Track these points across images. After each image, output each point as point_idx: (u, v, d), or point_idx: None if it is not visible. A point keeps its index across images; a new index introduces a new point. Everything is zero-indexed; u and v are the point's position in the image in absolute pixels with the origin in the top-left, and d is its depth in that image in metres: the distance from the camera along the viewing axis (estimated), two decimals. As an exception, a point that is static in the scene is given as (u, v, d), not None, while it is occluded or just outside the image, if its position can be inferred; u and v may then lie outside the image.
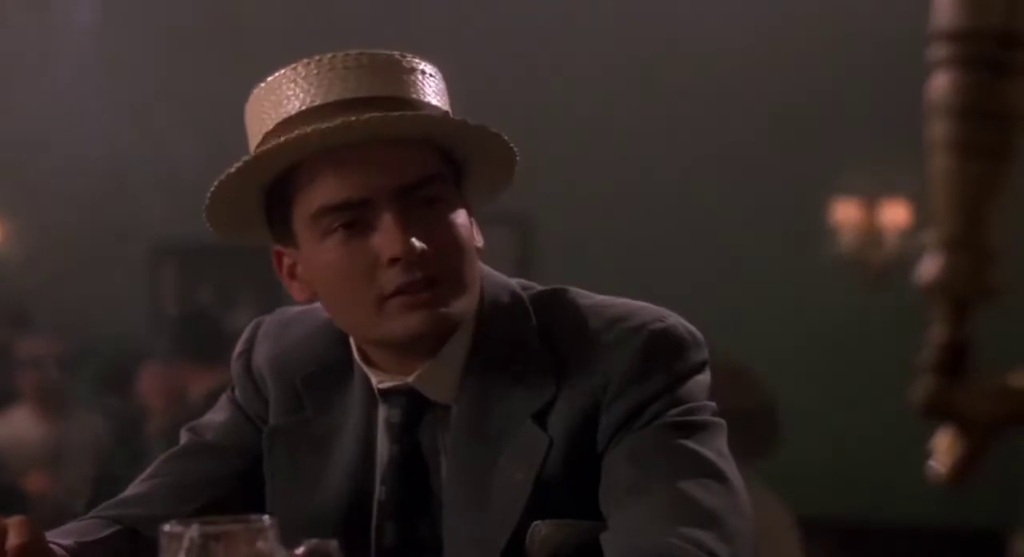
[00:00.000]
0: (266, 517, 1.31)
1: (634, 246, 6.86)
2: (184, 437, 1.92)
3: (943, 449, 0.97)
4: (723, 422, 1.73)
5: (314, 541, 1.32)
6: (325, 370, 1.83)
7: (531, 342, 1.73)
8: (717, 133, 7.34)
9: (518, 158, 1.77)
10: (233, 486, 1.84)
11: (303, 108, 1.68)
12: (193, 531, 1.27)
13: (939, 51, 0.96)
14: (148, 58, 7.54)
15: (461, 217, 1.73)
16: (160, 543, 1.30)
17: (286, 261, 1.78)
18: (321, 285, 1.74)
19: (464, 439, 1.71)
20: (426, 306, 1.68)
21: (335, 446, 1.79)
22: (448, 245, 1.70)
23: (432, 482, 1.74)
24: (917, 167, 1.08)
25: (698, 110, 7.36)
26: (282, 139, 1.65)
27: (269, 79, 1.72)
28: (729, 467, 1.69)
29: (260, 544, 1.28)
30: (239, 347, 1.94)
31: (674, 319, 1.73)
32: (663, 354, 1.69)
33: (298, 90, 1.69)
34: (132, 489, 1.86)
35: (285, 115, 1.69)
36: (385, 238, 1.67)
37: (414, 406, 1.75)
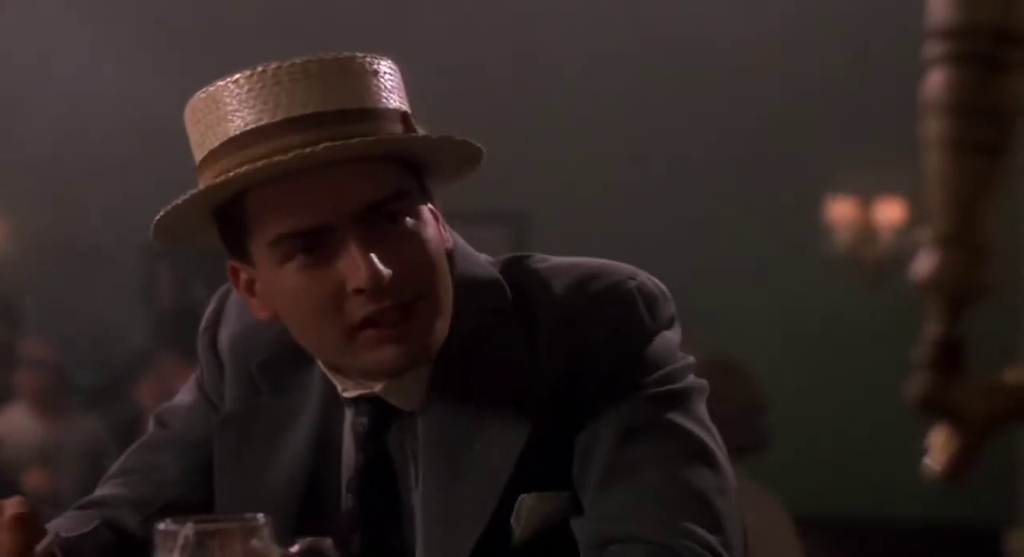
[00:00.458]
0: (261, 515, 1.31)
1: (629, 244, 6.84)
2: (151, 425, 1.88)
3: (938, 446, 0.96)
4: (703, 383, 1.69)
5: (308, 539, 1.31)
6: (284, 353, 1.75)
7: (507, 322, 1.67)
8: (713, 132, 7.35)
9: (484, 152, 1.67)
10: (197, 479, 1.79)
11: (248, 128, 1.58)
12: (188, 529, 1.27)
13: (934, 48, 0.96)
14: (147, 57, 7.53)
15: (429, 228, 1.64)
16: (155, 541, 1.30)
17: (243, 276, 1.69)
18: (283, 309, 1.66)
19: (435, 444, 1.66)
20: (400, 340, 1.60)
21: (290, 432, 1.74)
22: (418, 266, 1.61)
23: (401, 490, 1.69)
24: (912, 165, 1.08)
25: (694, 109, 7.37)
26: (231, 174, 1.56)
27: (211, 89, 1.62)
28: (712, 439, 1.65)
29: (255, 542, 1.28)
30: (204, 322, 1.85)
31: (643, 275, 1.69)
32: (637, 314, 1.65)
33: (242, 106, 1.59)
34: (103, 488, 1.83)
35: (231, 133, 1.60)
36: (350, 267, 1.58)
37: (381, 414, 1.69)
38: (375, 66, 1.63)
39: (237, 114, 1.59)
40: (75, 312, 7.52)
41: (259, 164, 1.55)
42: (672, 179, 7.41)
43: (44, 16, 7.74)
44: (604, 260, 1.72)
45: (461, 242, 1.74)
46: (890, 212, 7.37)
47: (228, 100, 1.60)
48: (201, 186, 1.62)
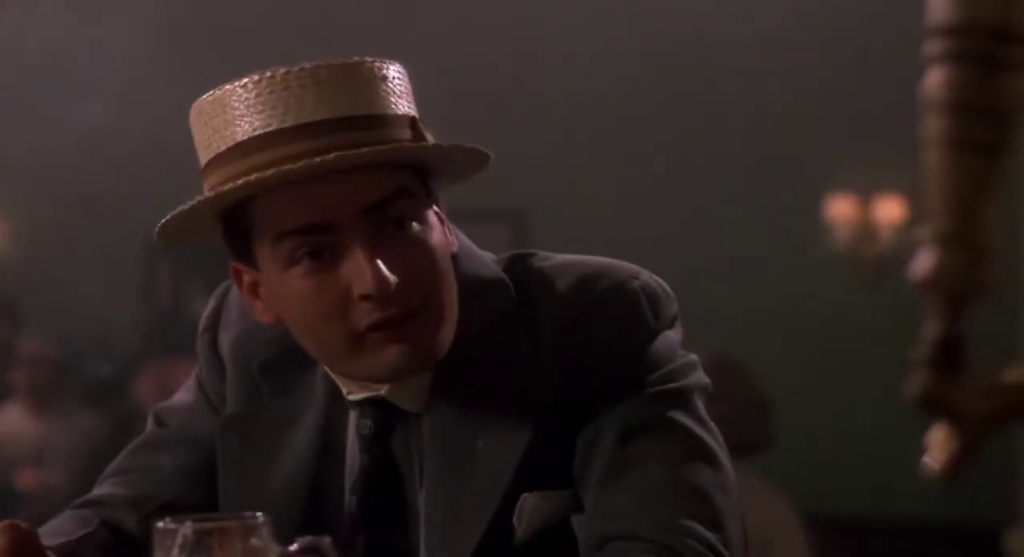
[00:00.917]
0: (260, 514, 1.31)
1: (629, 243, 6.85)
2: (150, 424, 1.88)
3: (937, 445, 0.96)
4: (705, 381, 1.69)
5: (307, 538, 1.31)
6: (285, 354, 1.74)
7: (511, 321, 1.66)
8: (712, 131, 7.35)
9: (491, 157, 1.67)
10: (195, 479, 1.79)
11: (257, 133, 1.58)
12: (187, 528, 1.27)
13: (934, 47, 0.96)
14: (148, 56, 7.53)
15: (435, 234, 1.64)
16: (153, 540, 1.30)
17: (246, 278, 1.68)
18: (288, 313, 1.65)
19: (438, 444, 1.66)
20: (406, 340, 1.59)
21: (292, 433, 1.73)
22: (424, 272, 1.61)
23: (406, 491, 1.69)
24: (912, 163, 1.08)
25: (694, 109, 7.37)
26: (240, 181, 1.56)
27: (218, 92, 1.62)
28: (713, 437, 1.65)
29: (254, 540, 1.27)
30: (204, 323, 1.85)
31: (646, 274, 1.69)
32: (641, 313, 1.65)
33: (250, 111, 1.58)
34: (101, 487, 1.82)
35: (239, 138, 1.59)
36: (355, 272, 1.57)
37: (386, 416, 1.69)
38: (384, 71, 1.63)
39: (245, 119, 1.59)
40: (74, 310, 7.52)
41: (269, 173, 1.54)
42: (671, 178, 7.41)
43: (45, 14, 7.74)
44: (607, 259, 1.72)
45: (466, 241, 1.74)
46: (890, 211, 7.37)
47: (236, 104, 1.60)
48: (207, 190, 1.62)
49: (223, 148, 1.61)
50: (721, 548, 1.59)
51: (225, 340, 1.82)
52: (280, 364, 1.76)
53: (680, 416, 1.64)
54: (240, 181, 1.56)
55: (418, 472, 1.68)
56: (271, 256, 1.61)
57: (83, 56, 7.54)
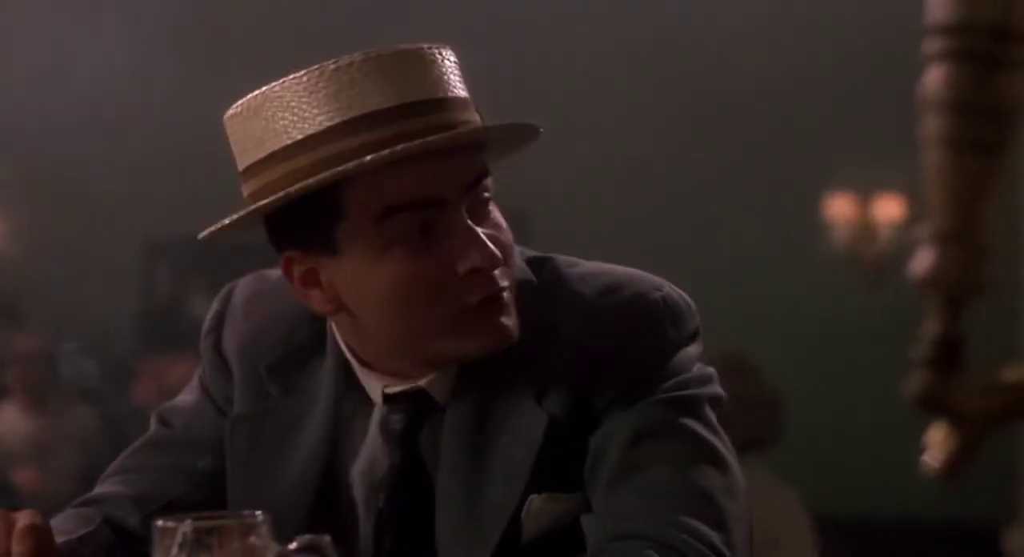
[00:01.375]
0: (259, 512, 1.31)
1: (629, 242, 6.86)
2: (153, 424, 1.88)
3: (937, 444, 0.96)
4: (719, 392, 1.71)
5: (307, 537, 1.31)
6: (293, 353, 1.75)
7: (534, 322, 1.67)
8: (712, 130, 7.35)
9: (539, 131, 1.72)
10: (198, 479, 1.80)
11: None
12: (186, 526, 1.27)
13: (933, 45, 0.96)
14: (148, 56, 7.53)
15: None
16: (153, 538, 1.30)
17: (298, 268, 1.66)
18: (370, 298, 1.63)
19: (462, 435, 1.67)
20: (499, 319, 1.62)
21: (301, 432, 1.74)
22: (508, 250, 1.65)
23: (430, 486, 1.70)
24: (911, 162, 1.08)
25: (693, 107, 7.37)
26: (385, 152, 1.55)
27: (268, 90, 1.61)
28: (723, 443, 1.66)
29: (253, 539, 1.28)
30: (207, 325, 1.85)
31: (669, 287, 1.70)
32: (660, 325, 1.67)
33: (322, 102, 1.59)
34: (102, 486, 1.83)
35: (318, 128, 1.59)
36: (463, 247, 1.59)
37: (420, 410, 1.69)
38: (448, 57, 1.67)
39: (315, 109, 1.59)
40: (73, 309, 7.52)
41: (416, 142, 1.55)
42: (670, 177, 7.41)
43: (46, 15, 7.74)
44: (632, 269, 1.73)
45: None
46: (889, 210, 7.37)
47: (294, 98, 1.60)
48: (264, 186, 1.61)
49: (297, 138, 1.60)
50: (723, 548, 1.59)
51: (230, 342, 1.82)
52: (288, 364, 1.77)
53: (690, 422, 1.65)
54: (386, 151, 1.55)
55: (440, 465, 1.69)
56: (369, 236, 1.61)
57: (84, 55, 7.54)
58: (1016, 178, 0.97)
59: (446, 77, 1.64)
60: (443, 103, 1.61)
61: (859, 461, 6.95)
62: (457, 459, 1.67)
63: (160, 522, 1.29)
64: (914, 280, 0.96)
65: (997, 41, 0.94)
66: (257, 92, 1.63)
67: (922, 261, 0.96)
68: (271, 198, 1.59)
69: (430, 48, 1.65)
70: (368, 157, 1.56)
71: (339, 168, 1.56)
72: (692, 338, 1.70)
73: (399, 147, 1.55)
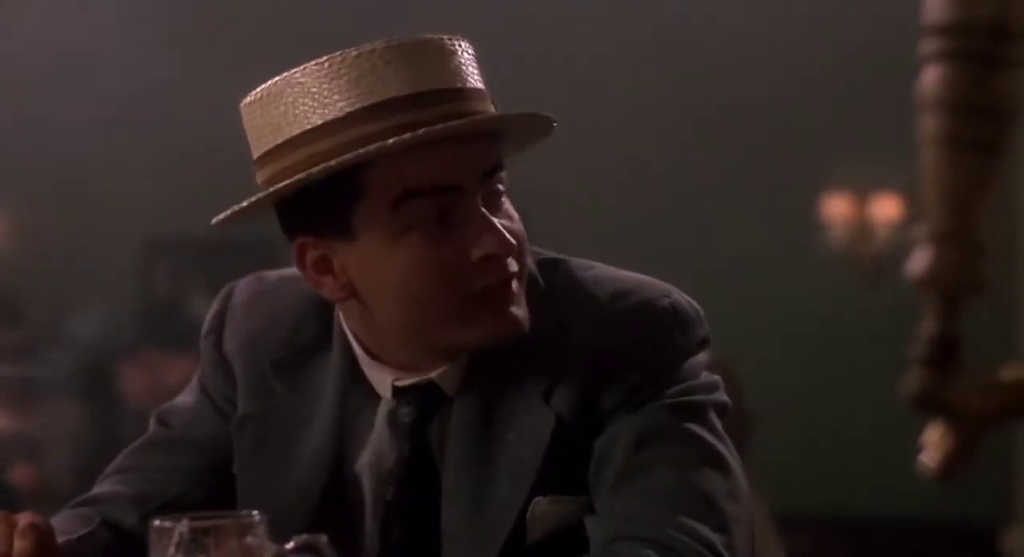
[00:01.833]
0: (255, 512, 1.31)
1: (626, 242, 6.86)
2: (152, 424, 1.88)
3: (934, 444, 0.96)
4: (724, 400, 1.72)
5: (304, 536, 1.31)
6: (297, 351, 1.76)
7: (543, 322, 1.68)
8: (711, 130, 7.35)
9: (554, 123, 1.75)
10: (197, 479, 1.80)
11: (361, 105, 1.59)
12: (183, 526, 1.27)
13: (930, 45, 0.96)
14: (147, 54, 7.53)
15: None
16: (150, 538, 1.30)
17: (311, 254, 1.66)
18: (384, 284, 1.64)
19: (469, 429, 1.67)
20: (509, 307, 1.62)
21: (308, 430, 1.74)
22: (521, 237, 1.66)
23: (438, 479, 1.70)
24: (908, 162, 1.08)
25: (692, 107, 7.37)
26: (407, 135, 1.56)
27: (289, 76, 1.63)
28: (727, 448, 1.67)
29: (250, 539, 1.28)
30: (208, 324, 1.85)
31: (678, 294, 1.71)
32: (668, 332, 1.67)
33: (344, 88, 1.60)
34: (100, 486, 1.83)
35: (339, 113, 1.60)
36: (478, 233, 1.60)
37: (429, 403, 1.70)
38: (470, 49, 1.68)
39: (336, 95, 1.60)
40: (72, 307, 7.52)
41: (438, 127, 1.57)
42: (668, 177, 7.41)
43: (46, 15, 7.74)
44: (644, 276, 1.74)
45: None
46: (886, 209, 7.37)
47: (316, 84, 1.61)
48: (284, 170, 1.62)
49: (317, 123, 1.61)
50: (723, 550, 1.60)
51: (232, 341, 1.82)
52: (293, 362, 1.77)
53: (695, 427, 1.66)
54: (407, 135, 1.57)
55: (448, 458, 1.69)
56: (386, 220, 1.61)
57: (84, 53, 7.54)
58: (1013, 177, 0.97)
59: (464, 68, 1.65)
60: (461, 92, 1.62)
61: (858, 461, 6.94)
62: (464, 453, 1.68)
63: (157, 522, 1.29)
64: (911, 280, 0.96)
65: (994, 41, 0.94)
66: (277, 78, 1.65)
67: (919, 261, 0.96)
68: (292, 179, 1.60)
69: (450, 39, 1.66)
70: (391, 140, 1.57)
71: (361, 150, 1.58)
72: (700, 346, 1.71)
73: (420, 131, 1.57)
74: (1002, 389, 0.96)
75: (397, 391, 1.71)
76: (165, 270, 8.05)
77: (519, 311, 1.64)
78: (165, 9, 7.79)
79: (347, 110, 1.60)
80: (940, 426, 0.96)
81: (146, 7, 7.82)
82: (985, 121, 0.95)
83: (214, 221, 1.67)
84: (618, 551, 1.59)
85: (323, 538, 1.31)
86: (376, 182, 1.61)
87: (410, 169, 1.60)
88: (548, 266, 1.74)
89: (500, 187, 1.65)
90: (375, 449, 1.72)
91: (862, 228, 7.38)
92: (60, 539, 1.66)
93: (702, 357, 1.71)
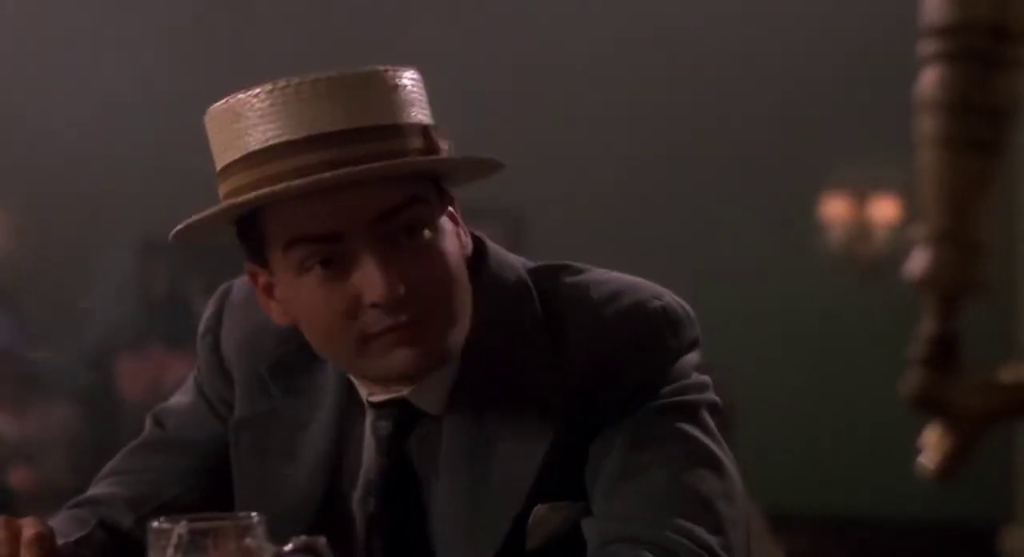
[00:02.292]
0: (254, 514, 1.31)
1: (624, 242, 6.87)
2: (148, 425, 1.88)
3: (933, 444, 0.96)
4: (715, 399, 1.72)
5: (302, 537, 1.31)
6: (295, 354, 1.75)
7: (533, 327, 1.68)
8: (708, 130, 7.35)
9: (505, 165, 1.69)
10: (193, 481, 1.80)
11: (268, 144, 1.59)
12: (181, 527, 1.27)
13: (929, 46, 0.96)
14: (146, 54, 7.53)
15: (447, 237, 1.64)
16: (148, 539, 1.30)
17: (261, 280, 1.69)
18: (301, 317, 1.66)
19: (458, 447, 1.67)
20: (414, 343, 1.60)
21: (307, 434, 1.75)
22: (435, 278, 1.62)
23: (423, 494, 1.70)
24: (907, 162, 1.08)
25: (688, 107, 7.37)
26: (251, 195, 1.57)
27: (231, 101, 1.62)
28: (721, 449, 1.67)
29: (248, 540, 1.28)
30: (204, 325, 1.85)
31: (669, 296, 1.71)
32: (660, 333, 1.67)
33: (263, 120, 1.59)
34: (96, 487, 1.83)
35: (251, 148, 1.60)
36: (365, 280, 1.58)
37: (405, 417, 1.70)
38: (397, 79, 1.63)
39: (258, 128, 1.60)
40: (71, 306, 7.52)
41: (279, 187, 1.56)
42: (666, 177, 7.41)
43: (46, 15, 7.74)
44: (635, 278, 1.74)
45: (493, 246, 1.75)
46: (885, 209, 7.37)
47: (249, 113, 1.61)
48: (222, 196, 1.63)
49: (237, 156, 1.61)
50: (720, 551, 1.60)
51: (229, 342, 1.82)
52: (291, 365, 1.77)
53: (688, 427, 1.66)
54: (252, 194, 1.57)
55: (436, 474, 1.69)
56: (283, 262, 1.63)
57: (84, 52, 7.54)
58: (1012, 177, 0.97)
59: (378, 104, 1.61)
60: (359, 133, 1.59)
61: (858, 461, 6.94)
62: (457, 470, 1.67)
63: (155, 523, 1.29)
64: (910, 280, 0.96)
65: (993, 41, 0.94)
66: (224, 102, 1.64)
67: (918, 261, 0.96)
68: (196, 217, 1.62)
69: (386, 70, 1.63)
70: (252, 194, 1.58)
71: (235, 200, 1.59)
72: (691, 347, 1.71)
73: (279, 187, 1.56)
74: (1001, 389, 0.96)
75: (375, 404, 1.71)
76: (164, 270, 8.05)
77: (412, 352, 1.61)
78: (165, 9, 7.79)
79: (251, 149, 1.60)
80: (939, 426, 0.96)
81: (148, 7, 7.82)
82: (984, 121, 0.95)
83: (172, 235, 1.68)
84: (617, 552, 1.59)
85: (322, 540, 1.31)
86: (270, 224, 1.63)
87: (292, 216, 1.60)
88: (539, 273, 1.74)
89: (419, 221, 1.61)
90: (367, 460, 1.73)
91: (861, 228, 7.39)
92: (71, 538, 1.67)
93: (693, 357, 1.71)
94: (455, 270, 1.64)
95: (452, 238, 1.65)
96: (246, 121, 1.61)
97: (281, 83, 1.60)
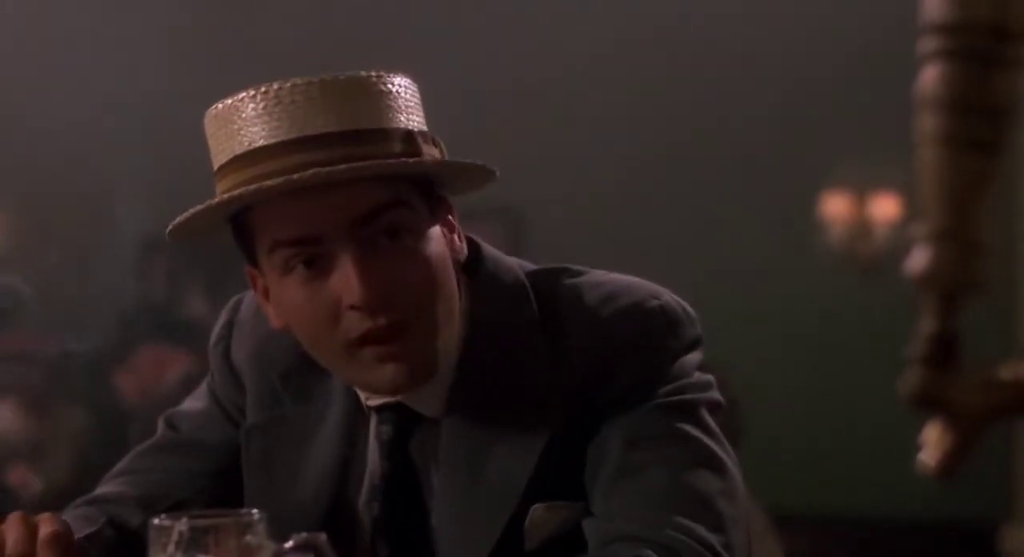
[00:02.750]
0: (255, 511, 1.31)
1: (624, 241, 6.87)
2: (160, 427, 1.89)
3: (932, 442, 0.97)
4: (717, 397, 1.72)
5: (303, 534, 1.31)
6: (305, 361, 1.76)
7: (530, 328, 1.69)
8: (707, 129, 7.35)
9: (497, 173, 1.68)
10: (204, 484, 1.81)
11: (258, 145, 1.60)
12: (182, 525, 1.27)
13: (929, 44, 0.96)
14: (145, 54, 7.53)
15: (431, 242, 1.64)
16: (149, 536, 1.30)
17: (259, 282, 1.71)
18: (290, 320, 1.68)
19: (457, 449, 1.68)
20: (399, 358, 1.61)
21: (316, 440, 1.76)
22: (416, 282, 1.62)
23: (426, 497, 1.71)
24: (907, 161, 1.08)
25: (688, 106, 7.37)
26: (234, 193, 1.59)
27: (228, 102, 1.64)
28: (721, 447, 1.68)
29: (249, 537, 1.28)
30: (217, 334, 1.88)
31: (668, 296, 1.71)
32: (658, 333, 1.68)
33: (257, 122, 1.60)
34: (106, 486, 1.84)
35: (243, 149, 1.61)
36: (343, 282, 1.59)
37: (405, 421, 1.71)
38: (386, 85, 1.63)
39: (251, 129, 1.61)
40: (71, 305, 7.52)
41: (251, 188, 1.57)
42: (666, 176, 7.41)
43: (47, 12, 7.73)
44: (634, 279, 1.74)
45: (489, 248, 1.76)
46: (885, 208, 7.37)
47: (243, 116, 1.62)
48: (219, 195, 1.65)
49: (231, 156, 1.63)
50: (721, 550, 1.60)
51: (241, 351, 1.85)
52: (301, 372, 1.78)
53: (688, 426, 1.66)
54: (226, 196, 1.59)
55: (436, 477, 1.69)
56: (270, 263, 1.64)
57: (83, 52, 7.54)
58: (1012, 176, 0.97)
59: (366, 108, 1.62)
60: (343, 136, 1.59)
61: (858, 461, 6.94)
62: (455, 471, 1.67)
63: (156, 520, 1.29)
64: (910, 278, 0.96)
65: (993, 40, 0.94)
66: (222, 103, 1.66)
67: (918, 259, 0.96)
68: (181, 217, 1.64)
69: (376, 76, 1.64)
70: (226, 195, 1.59)
71: (212, 202, 1.61)
72: (692, 346, 1.71)
73: (252, 188, 1.57)
74: (1001, 387, 0.96)
75: (376, 408, 1.72)
76: (163, 270, 8.05)
77: (393, 367, 1.62)
78: (165, 9, 7.79)
79: (243, 150, 1.61)
80: (939, 425, 0.96)
81: (147, 7, 7.82)
82: (984, 120, 0.95)
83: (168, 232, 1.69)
84: (617, 551, 1.59)
85: (322, 537, 1.32)
86: (256, 226, 1.64)
87: (275, 219, 1.62)
88: (537, 276, 1.75)
89: (401, 225, 1.62)
90: (371, 464, 1.73)
91: (861, 227, 7.38)
92: (80, 534, 1.68)
93: (694, 356, 1.71)
94: (438, 275, 1.64)
95: (439, 244, 1.65)
96: (240, 123, 1.62)
97: (275, 85, 1.61)
